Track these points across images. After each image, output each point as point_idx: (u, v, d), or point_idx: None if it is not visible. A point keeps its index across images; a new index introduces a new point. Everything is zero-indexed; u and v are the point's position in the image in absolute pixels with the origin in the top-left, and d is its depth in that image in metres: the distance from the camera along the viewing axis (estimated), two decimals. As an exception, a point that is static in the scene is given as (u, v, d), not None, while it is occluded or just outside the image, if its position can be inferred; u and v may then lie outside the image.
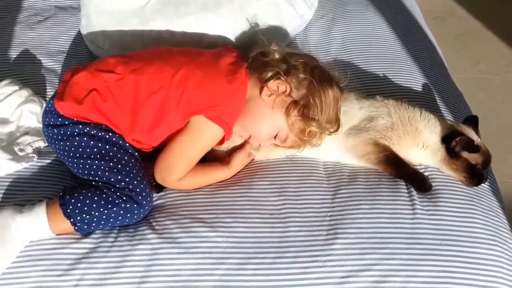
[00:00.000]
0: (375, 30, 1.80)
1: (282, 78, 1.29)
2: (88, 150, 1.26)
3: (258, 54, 1.36)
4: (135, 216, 1.23)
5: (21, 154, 1.37)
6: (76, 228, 1.21)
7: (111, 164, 1.24)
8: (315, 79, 1.30)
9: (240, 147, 1.37)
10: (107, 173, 1.24)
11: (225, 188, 1.33)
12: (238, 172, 1.36)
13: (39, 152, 1.41)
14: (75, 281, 1.16)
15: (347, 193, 1.29)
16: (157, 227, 1.23)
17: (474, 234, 1.22)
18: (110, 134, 1.28)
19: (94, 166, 1.25)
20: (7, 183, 1.33)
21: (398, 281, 1.15)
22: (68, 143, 1.27)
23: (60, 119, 1.28)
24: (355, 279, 1.15)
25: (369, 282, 1.15)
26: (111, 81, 1.28)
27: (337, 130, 1.34)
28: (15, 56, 1.71)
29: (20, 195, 1.31)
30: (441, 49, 1.92)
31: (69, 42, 1.77)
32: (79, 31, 1.78)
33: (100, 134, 1.27)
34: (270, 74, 1.30)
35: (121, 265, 1.18)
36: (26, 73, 1.63)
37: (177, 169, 1.28)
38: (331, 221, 1.24)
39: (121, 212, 1.22)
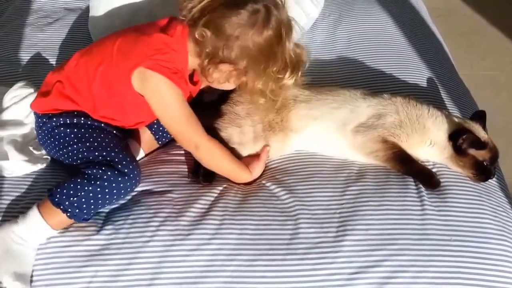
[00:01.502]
0: (382, 28, 1.81)
1: (221, 66, 1.26)
2: (67, 138, 1.31)
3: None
4: (122, 185, 1.24)
5: (36, 153, 1.40)
6: (68, 214, 1.22)
7: (88, 144, 1.29)
8: (214, 16, 1.23)
9: (257, 156, 1.38)
10: (85, 153, 1.28)
11: (235, 186, 1.34)
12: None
13: (52, 154, 1.43)
14: (88, 278, 1.18)
15: (356, 190, 1.30)
16: (168, 223, 1.24)
17: (483, 229, 1.23)
18: (83, 119, 1.33)
19: (74, 151, 1.30)
20: (22, 182, 1.36)
21: (408, 277, 1.16)
22: (52, 139, 1.33)
23: (39, 120, 1.35)
24: (364, 275, 1.16)
25: (378, 278, 1.16)
26: (70, 69, 1.34)
27: (295, 68, 1.30)
28: (27, 58, 1.73)
29: (35, 194, 1.33)
30: (447, 46, 1.93)
31: (79, 43, 1.77)
32: (89, 32, 1.80)
33: (74, 121, 1.32)
34: (206, 62, 1.26)
35: (133, 262, 1.19)
36: (37, 74, 1.65)
37: (184, 134, 1.30)
38: (340, 218, 1.25)
39: (105, 184, 1.22)
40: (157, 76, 1.25)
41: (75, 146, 1.30)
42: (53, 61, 1.72)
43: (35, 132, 1.44)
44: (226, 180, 1.36)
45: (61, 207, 1.22)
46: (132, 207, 1.28)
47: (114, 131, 1.35)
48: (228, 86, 1.34)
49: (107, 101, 1.33)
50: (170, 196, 1.31)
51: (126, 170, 1.24)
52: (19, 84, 1.51)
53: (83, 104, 1.33)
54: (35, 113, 1.39)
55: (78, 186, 1.22)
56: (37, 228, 1.22)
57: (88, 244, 1.22)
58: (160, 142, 1.47)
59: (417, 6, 2.01)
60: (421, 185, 1.31)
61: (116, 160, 1.25)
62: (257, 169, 1.37)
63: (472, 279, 1.16)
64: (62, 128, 1.32)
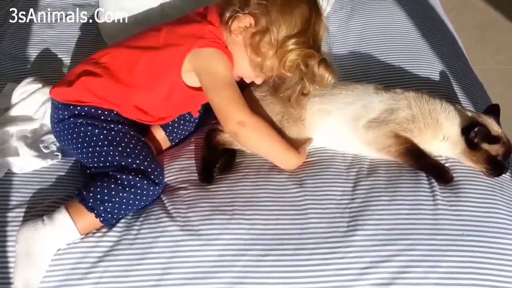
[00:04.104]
0: (394, 21, 1.79)
1: (241, 14, 1.28)
2: (94, 138, 1.29)
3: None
4: (151, 193, 1.26)
5: (46, 151, 1.40)
6: (101, 219, 1.23)
7: (120, 148, 1.28)
8: (274, 2, 1.26)
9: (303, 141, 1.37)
10: (117, 158, 1.27)
11: (245, 180, 1.33)
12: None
13: (62, 151, 1.43)
14: (99, 273, 1.18)
15: (368, 185, 1.29)
16: (178, 219, 1.24)
17: (496, 224, 1.21)
18: (113, 124, 1.30)
19: (103, 153, 1.28)
20: (32, 180, 1.36)
21: (419, 272, 1.15)
22: (74, 135, 1.31)
23: (60, 112, 1.32)
24: (375, 270, 1.15)
25: (390, 273, 1.15)
26: (105, 60, 1.33)
27: (313, 49, 1.27)
28: (35, 54, 1.73)
29: (46, 191, 1.34)
30: (460, 40, 1.90)
31: (89, 40, 1.78)
32: (98, 28, 1.80)
33: (103, 124, 1.30)
34: (228, 14, 1.29)
35: (144, 257, 1.20)
36: (46, 71, 1.65)
37: (229, 111, 1.26)
38: (352, 213, 1.24)
39: (139, 191, 1.24)
40: (211, 50, 1.28)
41: (105, 148, 1.28)
42: (62, 57, 1.72)
43: (44, 128, 1.45)
44: (233, 175, 1.34)
45: (95, 211, 1.22)
46: (144, 203, 1.29)
47: (143, 138, 1.34)
48: (243, 52, 1.30)
49: (147, 87, 1.31)
50: (180, 192, 1.31)
51: (157, 180, 1.26)
52: (27, 80, 1.51)
53: (115, 96, 1.31)
54: (54, 104, 1.34)
55: (113, 192, 1.23)
56: (65, 232, 1.21)
57: (101, 240, 1.23)
58: (173, 143, 1.48)
59: (430, -1, 2.00)
60: (433, 180, 1.29)
61: (149, 170, 1.26)
62: (303, 152, 1.34)
63: (485, 274, 1.14)
64: (90, 128, 1.29)
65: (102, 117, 1.31)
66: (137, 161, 1.26)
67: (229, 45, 1.32)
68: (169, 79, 1.31)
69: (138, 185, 1.24)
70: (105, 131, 1.29)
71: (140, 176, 1.24)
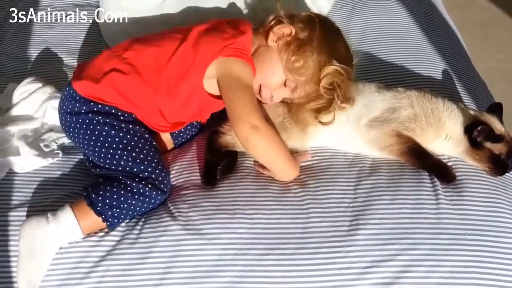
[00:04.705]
0: (395, 20, 1.79)
1: (285, 21, 1.33)
2: (110, 139, 1.28)
3: (264, 18, 1.39)
4: (158, 202, 1.28)
5: (46, 150, 1.40)
6: (108, 223, 1.24)
7: (134, 154, 1.27)
8: (319, 24, 1.32)
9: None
10: (130, 163, 1.26)
11: (246, 179, 1.33)
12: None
13: (63, 149, 1.43)
14: (101, 272, 1.18)
15: (369, 184, 1.29)
16: (180, 218, 1.24)
17: (499, 223, 1.21)
18: (131, 125, 1.30)
19: (117, 156, 1.27)
20: (33, 179, 1.36)
21: (422, 271, 1.14)
22: (89, 132, 1.29)
23: (77, 105, 1.30)
24: (377, 269, 1.15)
25: (391, 272, 1.15)
26: (130, 56, 1.33)
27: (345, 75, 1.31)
28: (36, 54, 1.74)
29: (47, 190, 1.34)
30: (462, 38, 1.90)
31: (89, 40, 1.79)
32: (98, 27, 1.80)
33: (122, 124, 1.29)
34: (271, 17, 1.35)
35: (146, 257, 1.20)
36: (47, 71, 1.66)
37: (244, 114, 1.25)
38: (353, 212, 1.23)
39: (147, 200, 1.25)
40: (237, 59, 1.30)
41: (119, 151, 1.27)
42: (62, 57, 1.72)
43: (45, 127, 1.45)
44: (235, 174, 1.34)
45: (103, 216, 1.23)
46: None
47: (154, 142, 1.33)
48: (276, 57, 1.33)
49: (171, 90, 1.31)
50: (181, 192, 1.31)
51: (165, 189, 1.28)
52: (27, 79, 1.51)
53: (140, 96, 1.30)
54: (72, 95, 1.31)
55: (122, 198, 1.23)
56: (68, 231, 1.22)
57: (103, 239, 1.23)
58: (176, 145, 1.48)
59: (431, -3, 1.99)
60: (436, 179, 1.29)
61: (160, 179, 1.27)
62: (298, 166, 1.34)
63: (488, 274, 1.14)
64: (106, 128, 1.28)
65: (122, 118, 1.30)
66: (149, 169, 1.26)
67: (259, 51, 1.35)
68: (191, 83, 1.32)
69: (147, 193, 1.24)
70: (121, 134, 1.28)
71: (150, 186, 1.25)
